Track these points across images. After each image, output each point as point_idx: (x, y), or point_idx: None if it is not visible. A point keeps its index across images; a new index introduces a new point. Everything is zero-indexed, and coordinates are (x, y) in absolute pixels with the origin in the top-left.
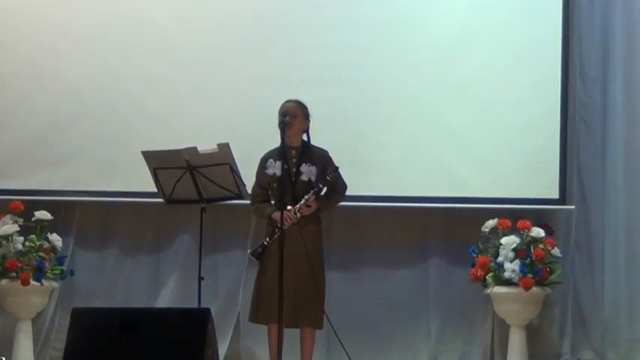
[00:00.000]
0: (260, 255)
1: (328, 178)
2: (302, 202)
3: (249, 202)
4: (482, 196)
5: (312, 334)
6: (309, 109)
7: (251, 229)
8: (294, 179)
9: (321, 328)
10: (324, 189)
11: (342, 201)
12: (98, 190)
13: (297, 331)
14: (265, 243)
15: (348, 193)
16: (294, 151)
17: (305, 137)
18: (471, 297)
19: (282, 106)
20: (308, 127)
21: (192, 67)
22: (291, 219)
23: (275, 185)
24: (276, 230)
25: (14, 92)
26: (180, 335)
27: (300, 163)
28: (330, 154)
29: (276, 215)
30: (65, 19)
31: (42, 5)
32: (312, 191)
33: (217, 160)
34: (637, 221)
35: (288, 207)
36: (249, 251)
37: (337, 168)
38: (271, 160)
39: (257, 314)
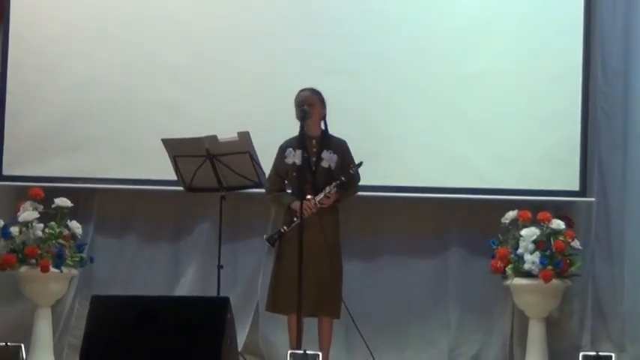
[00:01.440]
0: (275, 242)
1: (352, 172)
2: (323, 193)
3: None
4: (503, 187)
5: (331, 323)
6: (324, 96)
7: (271, 217)
8: (314, 168)
9: (339, 317)
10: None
11: (357, 192)
12: (118, 178)
13: (315, 320)
14: (282, 230)
15: (368, 183)
16: (314, 140)
17: (322, 126)
18: (491, 288)
19: (299, 96)
20: (325, 115)
21: (211, 55)
22: (310, 209)
23: (294, 174)
24: (294, 219)
25: (34, 80)
26: (198, 324)
27: (321, 151)
28: (349, 145)
29: (296, 205)
30: (83, 9)
31: None
32: (334, 183)
33: (237, 148)
34: None
35: (308, 196)
36: (265, 237)
37: (361, 163)
38: (290, 149)
39: (275, 304)
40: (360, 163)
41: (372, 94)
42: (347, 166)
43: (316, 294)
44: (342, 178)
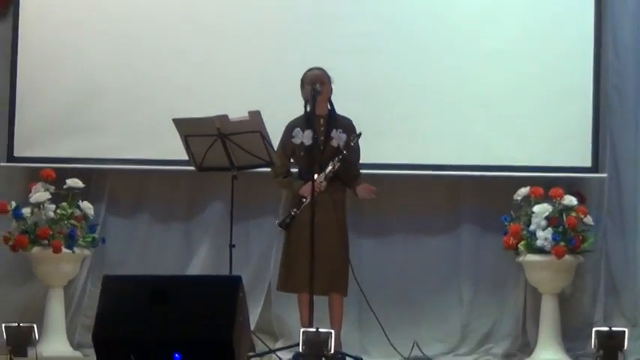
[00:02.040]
0: (288, 225)
1: (352, 144)
2: (328, 169)
3: None
4: (515, 164)
5: (342, 300)
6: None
7: (282, 196)
8: (322, 147)
9: (346, 295)
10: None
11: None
12: (130, 158)
13: (325, 298)
14: (293, 213)
15: (380, 161)
16: (321, 119)
17: (329, 105)
18: (503, 265)
19: (309, 75)
20: (331, 94)
21: (221, 35)
22: (318, 187)
23: (302, 154)
24: (303, 200)
25: (45, 62)
26: (211, 303)
27: (330, 130)
28: (355, 123)
29: (303, 191)
30: None
31: None
32: (336, 158)
33: (248, 127)
34: None
35: (316, 176)
36: (277, 222)
37: (360, 133)
38: (298, 129)
39: (286, 283)
40: (359, 134)
41: (383, 72)
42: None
43: (327, 272)
44: (344, 152)
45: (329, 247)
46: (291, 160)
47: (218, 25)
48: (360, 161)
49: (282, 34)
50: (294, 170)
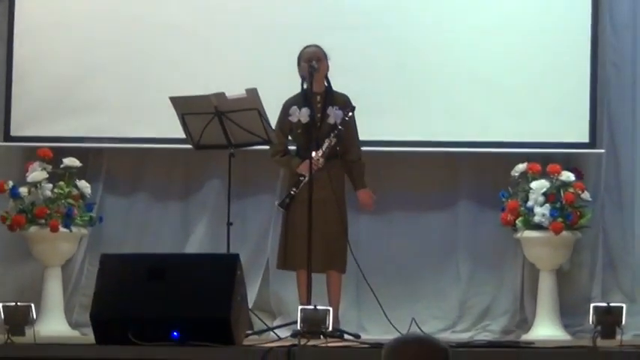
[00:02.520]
0: (288, 205)
1: (347, 118)
2: (325, 145)
3: None
4: (512, 140)
5: (340, 278)
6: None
7: (280, 173)
8: (319, 124)
9: (344, 272)
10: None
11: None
12: (127, 137)
13: (323, 276)
14: (292, 192)
15: (377, 138)
16: (318, 97)
17: (326, 82)
18: (501, 241)
19: (305, 52)
20: (328, 71)
21: (219, 13)
22: (316, 165)
23: (299, 132)
24: (301, 178)
25: (41, 41)
26: (209, 281)
27: (325, 108)
28: (355, 100)
29: (301, 169)
30: None
31: None
32: (332, 134)
33: (245, 105)
34: None
35: (313, 154)
36: (276, 203)
37: (354, 107)
38: (295, 106)
39: (285, 261)
40: (354, 108)
41: (380, 48)
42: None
43: (325, 250)
44: (340, 127)
45: (327, 224)
46: (289, 138)
47: (215, 3)
48: (360, 138)
49: (279, 11)
50: (293, 148)
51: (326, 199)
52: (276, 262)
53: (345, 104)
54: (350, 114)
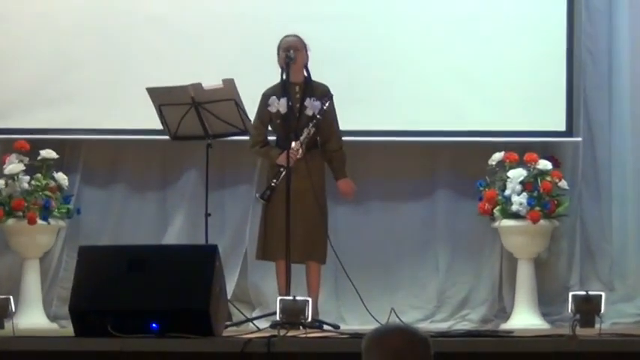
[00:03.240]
0: (269, 197)
1: (324, 108)
2: (303, 135)
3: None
4: (489, 129)
5: (319, 268)
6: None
7: (257, 164)
8: (298, 114)
9: (324, 263)
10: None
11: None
12: (104, 129)
13: (303, 267)
14: (273, 184)
15: (354, 128)
16: (297, 87)
17: (305, 72)
18: (479, 230)
19: (284, 41)
20: (308, 61)
21: (195, 4)
22: (295, 155)
23: (278, 122)
24: (281, 170)
25: (16, 32)
26: (187, 272)
27: (304, 99)
28: (332, 90)
29: (281, 160)
30: None
31: None
32: (311, 124)
33: (222, 95)
34: None
35: (293, 144)
36: (257, 195)
37: (331, 96)
38: (274, 97)
39: (265, 251)
40: (331, 96)
41: (357, 38)
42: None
43: (304, 240)
44: (318, 116)
45: (305, 215)
46: (269, 129)
47: None
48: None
49: (257, 1)
50: (273, 139)
51: (305, 190)
52: (256, 252)
53: (325, 94)
54: (327, 104)
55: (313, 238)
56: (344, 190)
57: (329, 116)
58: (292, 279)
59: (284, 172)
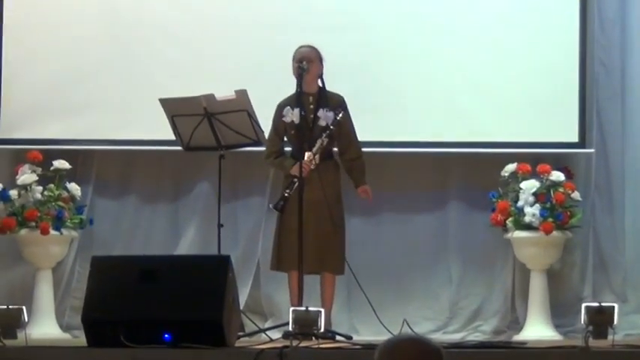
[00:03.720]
0: (283, 207)
1: (337, 118)
2: (317, 145)
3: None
4: (501, 140)
5: (333, 279)
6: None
7: (270, 175)
8: (311, 126)
9: (342, 273)
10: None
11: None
12: (117, 139)
13: (317, 278)
14: (286, 195)
15: (367, 139)
16: (310, 97)
17: (320, 83)
18: (492, 242)
19: (298, 52)
20: (322, 72)
21: (209, 14)
22: (308, 166)
23: (293, 132)
24: (294, 180)
25: (31, 42)
26: (200, 283)
27: (318, 109)
28: (347, 100)
29: (294, 170)
30: None
31: None
32: (324, 134)
33: (235, 106)
34: None
35: (307, 154)
36: (270, 205)
37: (346, 106)
38: (288, 107)
39: (279, 262)
40: (345, 107)
41: (369, 49)
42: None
43: (318, 251)
44: (331, 127)
45: (318, 225)
46: (285, 140)
47: (206, 4)
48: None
49: (270, 11)
50: (289, 149)
51: (317, 201)
52: (270, 263)
53: (339, 104)
54: (340, 115)
55: (326, 248)
56: (363, 195)
57: (346, 126)
58: (305, 290)
59: (297, 183)
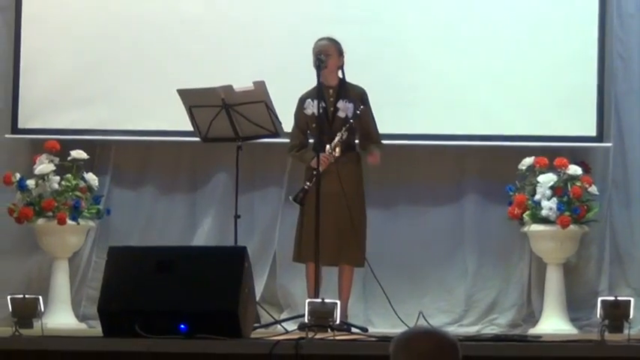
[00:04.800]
0: (302, 199)
1: (358, 112)
2: (336, 139)
3: (285, 140)
4: (519, 133)
5: (351, 272)
6: (342, 45)
7: (287, 167)
8: (331, 118)
9: (361, 266)
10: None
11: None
12: (134, 129)
13: (334, 269)
14: (306, 187)
15: (384, 131)
16: (331, 90)
17: (340, 75)
18: (508, 235)
19: (316, 45)
20: (343, 64)
21: (226, 5)
22: (327, 159)
23: (314, 125)
24: (314, 172)
25: (49, 33)
26: (216, 274)
27: (338, 101)
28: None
29: (314, 163)
30: None
31: None
32: (344, 128)
33: (253, 97)
34: None
35: (327, 146)
36: (290, 197)
37: (366, 99)
38: (309, 100)
39: (299, 253)
40: (366, 99)
41: (387, 42)
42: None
43: (336, 243)
44: (351, 120)
45: (337, 218)
46: (308, 132)
47: None
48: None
49: (290, 4)
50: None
51: (335, 193)
52: (293, 254)
53: (360, 96)
54: (361, 107)
55: (345, 240)
56: (371, 161)
57: (365, 118)
58: (322, 282)
59: (315, 175)
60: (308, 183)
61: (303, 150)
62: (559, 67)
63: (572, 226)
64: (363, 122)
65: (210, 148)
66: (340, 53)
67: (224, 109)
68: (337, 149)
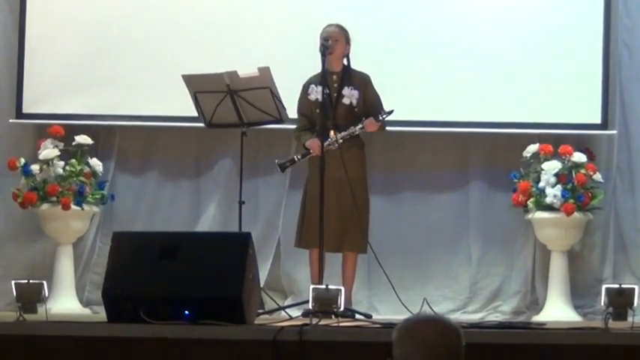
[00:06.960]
0: (286, 168)
1: (380, 117)
2: (347, 132)
3: (289, 126)
4: (524, 121)
5: (354, 258)
6: (350, 34)
7: (292, 152)
8: (335, 104)
9: (364, 252)
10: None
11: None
12: (139, 115)
13: (339, 255)
14: (295, 159)
15: (389, 118)
16: (335, 76)
17: (345, 62)
18: (512, 222)
19: (324, 31)
20: (348, 52)
21: None
22: (319, 147)
23: (317, 111)
24: (310, 151)
25: (54, 18)
26: (220, 260)
27: (342, 87)
28: (373, 79)
29: (310, 144)
30: None
31: None
32: (359, 125)
33: (258, 83)
34: None
35: (331, 133)
36: (277, 161)
37: (392, 111)
38: (313, 85)
39: (301, 239)
40: (391, 111)
41: (392, 29)
42: (376, 114)
43: (339, 229)
44: (356, 110)
45: (339, 204)
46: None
47: None
48: None
49: None
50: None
51: (339, 180)
52: (295, 240)
53: (364, 82)
54: (384, 116)
55: (348, 227)
56: (370, 126)
57: (371, 99)
58: (326, 268)
59: (310, 155)
60: (299, 156)
61: (304, 132)
62: (564, 54)
63: (576, 214)
64: (369, 105)
65: (215, 133)
66: (347, 41)
67: (229, 95)
68: (339, 139)
